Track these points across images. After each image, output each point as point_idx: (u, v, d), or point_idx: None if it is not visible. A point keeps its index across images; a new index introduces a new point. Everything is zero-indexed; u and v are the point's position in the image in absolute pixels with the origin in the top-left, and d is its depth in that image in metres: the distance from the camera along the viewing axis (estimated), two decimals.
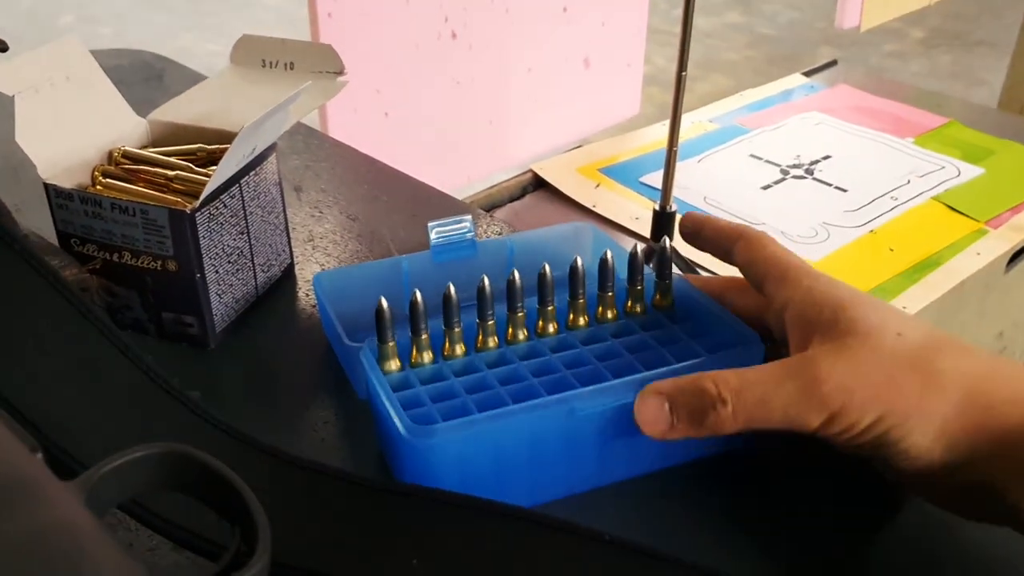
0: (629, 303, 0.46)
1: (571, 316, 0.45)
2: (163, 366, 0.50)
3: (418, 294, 0.42)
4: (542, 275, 0.44)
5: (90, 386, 0.34)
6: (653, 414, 0.38)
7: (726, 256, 0.45)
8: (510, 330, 0.44)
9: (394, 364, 0.42)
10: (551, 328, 0.44)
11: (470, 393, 0.41)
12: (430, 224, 0.50)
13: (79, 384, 0.34)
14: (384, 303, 0.41)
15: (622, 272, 0.46)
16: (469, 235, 0.50)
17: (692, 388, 0.37)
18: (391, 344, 0.42)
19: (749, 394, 0.36)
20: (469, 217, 0.50)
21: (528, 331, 0.44)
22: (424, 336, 0.42)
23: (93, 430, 0.33)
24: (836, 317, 0.36)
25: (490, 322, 0.43)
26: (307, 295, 0.56)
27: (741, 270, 0.44)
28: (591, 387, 0.39)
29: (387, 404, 0.38)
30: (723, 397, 0.36)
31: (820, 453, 0.39)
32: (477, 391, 0.41)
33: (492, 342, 0.44)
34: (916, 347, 0.36)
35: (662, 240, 0.45)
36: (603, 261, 0.44)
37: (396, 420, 0.37)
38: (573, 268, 0.44)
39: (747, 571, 0.38)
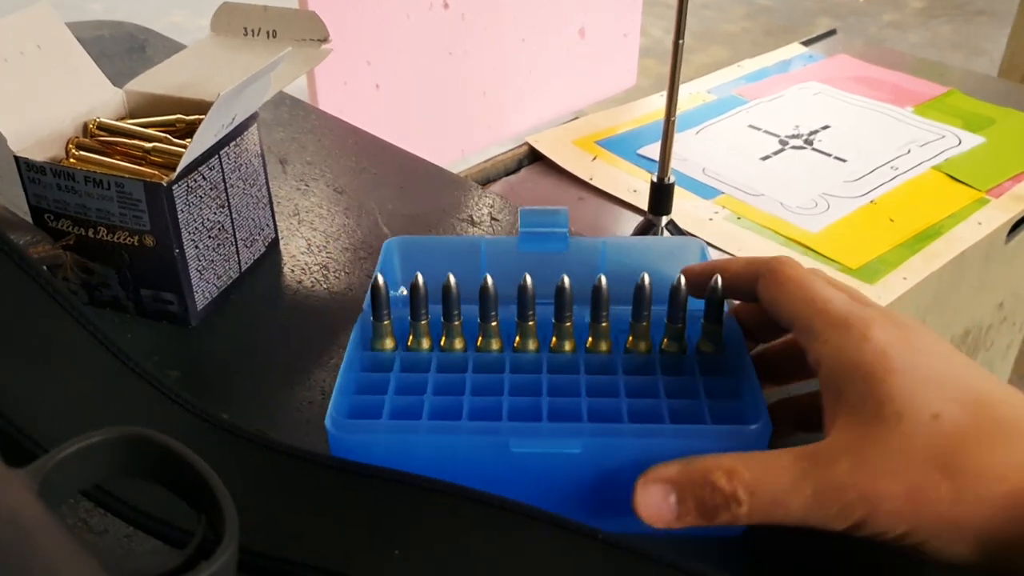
0: (665, 340, 0.41)
1: (590, 339, 0.41)
2: (142, 345, 0.48)
3: (419, 277, 0.40)
4: (559, 288, 0.40)
5: (53, 367, 0.32)
6: (656, 505, 0.33)
7: (751, 295, 0.39)
8: (518, 338, 0.41)
9: (389, 343, 0.41)
10: (567, 345, 0.41)
11: (437, 394, 0.38)
12: (522, 209, 0.46)
13: (41, 365, 0.32)
14: (380, 279, 0.40)
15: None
16: (562, 229, 0.45)
17: (702, 481, 0.33)
18: (385, 323, 0.40)
19: (765, 493, 0.32)
20: (565, 209, 0.45)
21: (540, 343, 0.41)
22: (423, 322, 0.40)
23: (56, 413, 0.31)
24: (866, 391, 0.32)
25: (493, 323, 0.40)
26: (292, 271, 0.55)
27: (769, 311, 0.38)
28: (529, 424, 0.36)
29: (336, 385, 0.37)
30: (738, 497, 0.32)
31: None
32: (445, 393, 0.38)
33: (495, 344, 0.41)
34: (951, 438, 0.31)
35: (715, 279, 0.39)
36: (638, 287, 0.39)
37: (331, 405, 0.36)
38: (596, 288, 0.39)
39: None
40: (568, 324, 0.40)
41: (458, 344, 0.41)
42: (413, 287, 0.40)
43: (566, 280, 0.39)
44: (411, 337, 0.41)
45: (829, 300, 0.35)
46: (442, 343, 0.41)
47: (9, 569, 0.19)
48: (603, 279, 0.39)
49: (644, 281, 0.39)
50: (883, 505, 0.31)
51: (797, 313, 0.36)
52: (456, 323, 0.40)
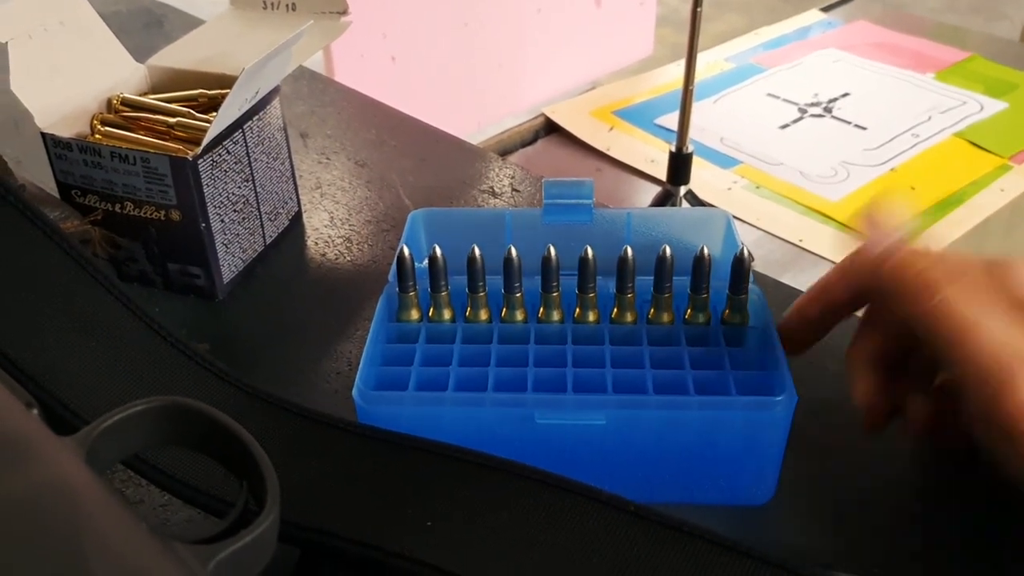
0: (689, 311, 0.41)
1: (615, 310, 0.41)
2: (170, 319, 0.49)
3: (437, 249, 0.40)
4: (582, 259, 0.39)
5: (91, 340, 0.33)
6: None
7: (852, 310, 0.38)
8: (542, 309, 0.41)
9: (414, 314, 0.41)
10: (590, 316, 0.40)
11: (463, 365, 0.38)
12: (546, 180, 0.45)
13: (79, 338, 0.33)
14: (406, 250, 0.40)
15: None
16: (587, 201, 0.45)
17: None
18: (411, 294, 0.41)
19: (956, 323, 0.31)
20: (590, 181, 0.45)
21: (564, 313, 0.41)
22: (443, 293, 0.40)
23: (95, 384, 0.32)
24: (1012, 454, 0.31)
25: (517, 294, 0.40)
26: (316, 244, 0.55)
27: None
28: (555, 395, 0.36)
29: (363, 356, 0.37)
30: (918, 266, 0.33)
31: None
32: (470, 365, 0.38)
33: (520, 315, 0.41)
34: None
35: (740, 248, 0.39)
36: (659, 259, 0.39)
37: (358, 376, 0.36)
38: (622, 259, 0.39)
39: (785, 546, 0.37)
40: (592, 295, 0.40)
41: (483, 315, 0.41)
42: (431, 259, 0.40)
43: (589, 251, 0.39)
44: (432, 308, 0.41)
45: (977, 339, 0.32)
46: (467, 314, 0.41)
47: (60, 533, 0.19)
48: (629, 250, 0.39)
49: (665, 253, 0.39)
50: None
51: (946, 356, 0.33)
52: (481, 294, 0.40)
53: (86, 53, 0.51)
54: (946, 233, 1.01)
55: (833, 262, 1.02)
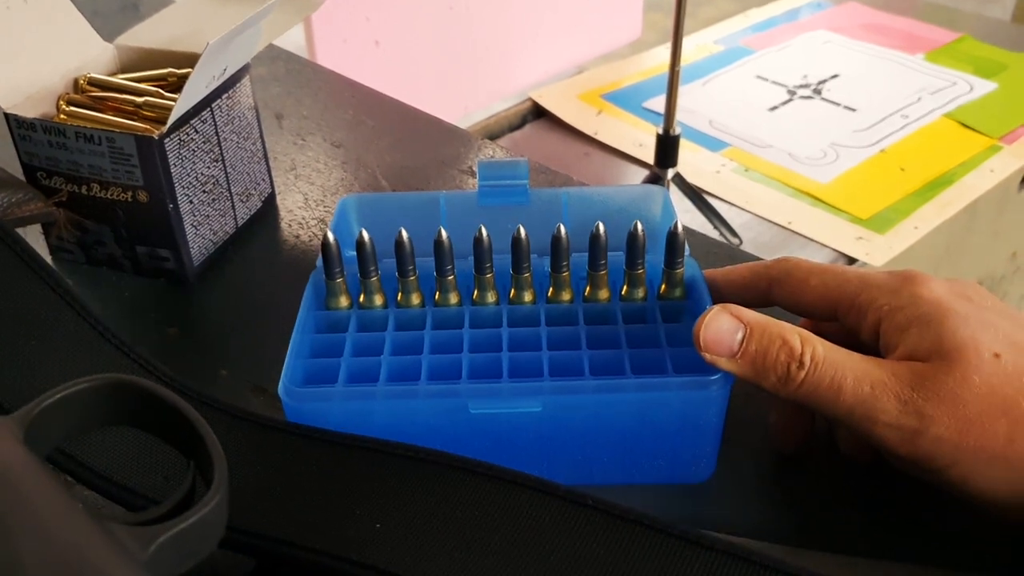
0: (625, 287, 0.40)
1: (551, 290, 0.40)
2: (140, 303, 0.48)
3: (364, 233, 0.38)
4: (515, 239, 0.38)
5: (30, 339, 0.31)
6: (720, 332, 0.33)
7: (764, 301, 0.38)
8: (476, 291, 0.40)
9: (344, 301, 0.40)
10: (526, 296, 0.40)
11: (395, 354, 0.37)
12: (480, 162, 0.44)
13: (16, 337, 0.31)
14: (331, 237, 0.38)
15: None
16: (522, 182, 0.44)
17: (776, 334, 0.33)
18: (339, 281, 0.39)
19: (828, 370, 0.32)
20: (525, 160, 0.44)
21: (499, 294, 0.40)
22: (373, 279, 0.39)
23: (30, 385, 0.30)
24: (925, 334, 0.32)
25: (449, 278, 0.39)
26: (290, 226, 0.54)
27: (796, 311, 0.38)
28: (489, 384, 0.35)
29: (289, 348, 0.36)
30: (803, 361, 0.32)
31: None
32: (403, 353, 0.37)
33: (454, 298, 0.40)
34: (1013, 377, 0.31)
35: (674, 223, 0.38)
36: (594, 236, 0.38)
37: (283, 371, 0.35)
38: (556, 237, 0.38)
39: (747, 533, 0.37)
40: (527, 275, 0.39)
41: (415, 300, 0.40)
42: (359, 243, 0.38)
43: (522, 230, 0.38)
44: (362, 295, 0.40)
45: (865, 275, 0.35)
46: (399, 299, 0.40)
47: None
48: (562, 228, 0.38)
49: (599, 230, 0.38)
50: (932, 429, 0.31)
51: (839, 297, 0.36)
52: (412, 278, 0.39)
53: (51, 33, 0.50)
54: (935, 214, 1.01)
55: (822, 244, 1.02)
